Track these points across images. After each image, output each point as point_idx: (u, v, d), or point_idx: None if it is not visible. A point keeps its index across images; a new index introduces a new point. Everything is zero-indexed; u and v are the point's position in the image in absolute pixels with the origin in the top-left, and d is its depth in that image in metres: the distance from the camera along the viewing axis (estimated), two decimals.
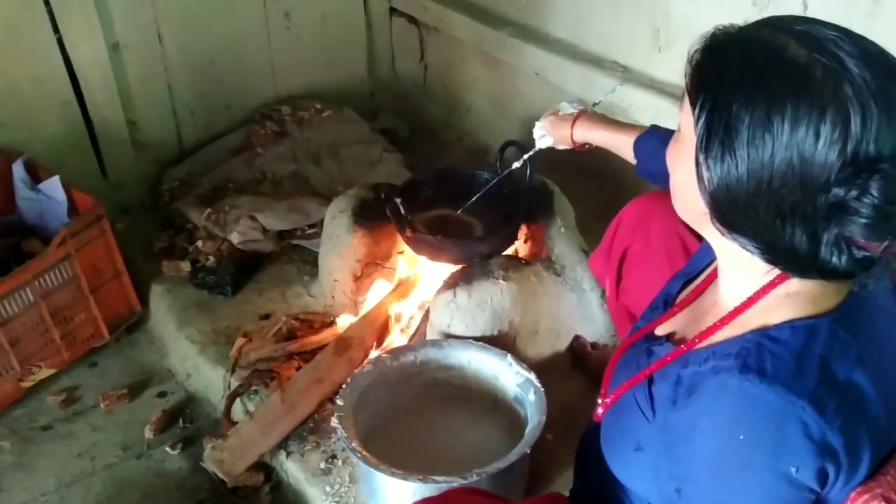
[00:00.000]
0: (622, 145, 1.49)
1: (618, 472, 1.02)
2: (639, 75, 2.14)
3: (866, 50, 0.75)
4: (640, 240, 1.48)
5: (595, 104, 1.76)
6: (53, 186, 2.00)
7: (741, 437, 0.79)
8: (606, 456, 1.03)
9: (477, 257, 1.82)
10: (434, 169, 2.15)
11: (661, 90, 2.07)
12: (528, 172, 1.79)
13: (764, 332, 0.82)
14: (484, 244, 1.85)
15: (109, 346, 2.10)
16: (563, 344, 1.86)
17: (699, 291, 1.02)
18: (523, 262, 1.83)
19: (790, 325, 0.82)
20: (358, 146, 2.56)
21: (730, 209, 0.80)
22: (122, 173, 2.38)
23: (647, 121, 2.00)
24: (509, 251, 1.91)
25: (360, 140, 2.62)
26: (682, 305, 1.02)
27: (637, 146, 1.44)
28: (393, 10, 2.76)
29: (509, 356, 1.64)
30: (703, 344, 0.90)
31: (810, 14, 1.72)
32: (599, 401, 1.06)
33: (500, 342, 1.72)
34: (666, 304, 1.07)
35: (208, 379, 1.95)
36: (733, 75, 0.78)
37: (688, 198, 0.86)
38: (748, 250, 0.82)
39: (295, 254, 2.25)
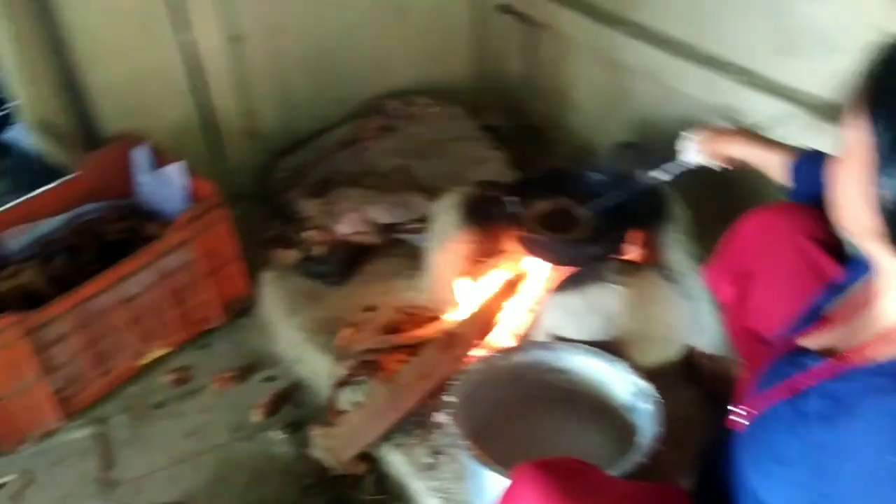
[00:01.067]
0: (776, 165, 1.46)
1: (755, 484, 0.99)
2: (761, 79, 2.07)
3: None
4: (765, 258, 1.43)
5: (751, 125, 1.73)
6: (175, 172, 2.07)
7: None
8: (744, 466, 1.01)
9: (589, 260, 1.79)
10: (545, 168, 2.14)
11: (783, 94, 1.99)
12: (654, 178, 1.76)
13: None
14: (597, 247, 1.82)
15: (221, 329, 2.16)
16: (674, 352, 1.81)
17: (854, 307, 0.98)
18: (637, 267, 1.80)
19: None
20: (464, 142, 2.56)
21: None
22: (237, 161, 2.45)
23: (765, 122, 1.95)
24: (622, 255, 1.88)
25: (465, 136, 2.62)
26: (836, 319, 0.98)
27: (796, 170, 1.40)
28: (502, 7, 2.74)
29: (623, 362, 1.61)
30: (860, 361, 0.86)
31: None
32: (733, 409, 1.03)
33: (611, 347, 1.69)
34: (815, 316, 1.03)
35: (314, 366, 1.99)
36: None
37: (857, 215, 0.82)
38: None
39: (399, 247, 2.26)
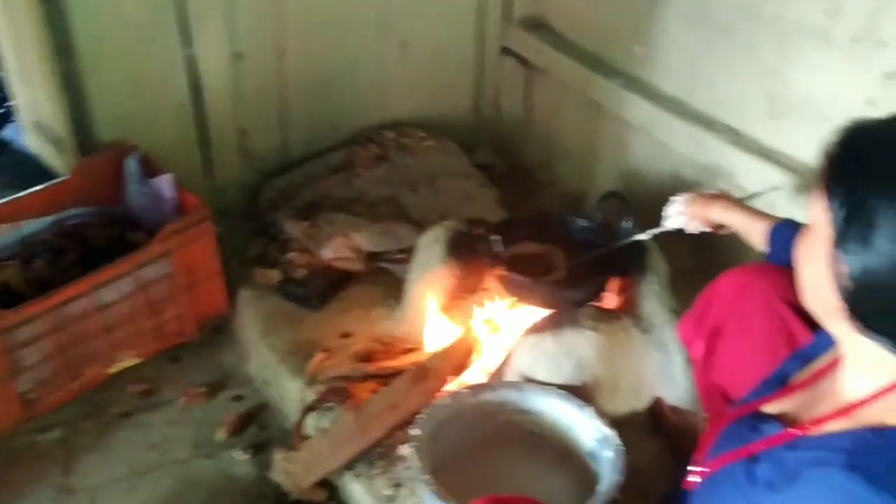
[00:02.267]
0: (756, 232, 1.49)
1: None
2: (749, 141, 2.10)
3: None
4: (738, 318, 1.44)
5: (749, 197, 1.78)
6: (165, 183, 2.08)
7: None
8: None
9: (567, 304, 1.80)
10: (533, 210, 2.16)
11: (771, 158, 2.03)
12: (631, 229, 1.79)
13: (880, 432, 0.80)
14: (575, 291, 1.84)
15: (194, 343, 2.14)
16: (641, 403, 1.82)
17: (817, 376, 0.99)
18: (613, 315, 1.81)
19: None
20: (455, 178, 2.58)
21: (867, 305, 0.78)
22: (227, 178, 2.45)
23: (753, 187, 1.98)
24: (598, 301, 1.89)
25: (457, 172, 2.64)
26: (798, 388, 0.99)
27: (773, 234, 1.43)
28: (505, 50, 2.79)
29: (590, 408, 1.62)
30: (814, 432, 0.87)
31: None
32: (691, 468, 1.04)
33: (581, 393, 1.69)
34: (780, 382, 1.04)
35: (284, 389, 1.98)
36: (872, 169, 0.77)
37: (819, 292, 0.84)
38: (887, 349, 0.79)
39: (382, 277, 2.27)
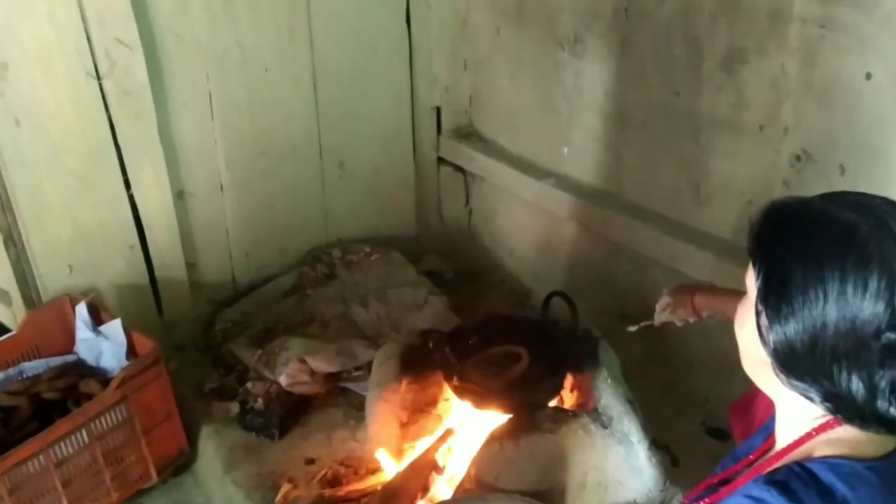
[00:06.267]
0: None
1: None
2: (680, 227, 2.20)
3: None
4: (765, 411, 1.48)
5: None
6: (114, 329, 2.08)
7: None
8: None
9: (525, 407, 1.83)
10: (481, 315, 2.20)
11: (701, 242, 2.12)
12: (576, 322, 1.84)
13: (800, 462, 0.87)
14: (531, 394, 1.86)
15: (156, 487, 2.10)
16: (610, 498, 1.83)
17: (770, 444, 1.04)
18: (571, 413, 1.84)
19: (826, 460, 0.86)
20: (404, 288, 2.63)
21: (788, 358, 0.86)
22: (178, 312, 2.46)
23: (689, 271, 2.06)
24: (555, 401, 1.92)
25: (406, 282, 2.69)
26: (756, 455, 1.06)
27: None
28: (440, 160, 2.89)
29: None
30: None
31: (848, 174, 1.78)
32: None
33: (547, 496, 1.70)
34: (746, 454, 1.10)
35: None
36: (787, 234, 0.87)
37: (752, 351, 0.92)
38: (808, 397, 0.87)
39: (342, 397, 2.27)
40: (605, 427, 1.83)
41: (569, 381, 1.94)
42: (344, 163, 2.70)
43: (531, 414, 1.80)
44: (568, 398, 1.98)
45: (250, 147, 2.47)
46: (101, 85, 2.08)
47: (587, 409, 1.88)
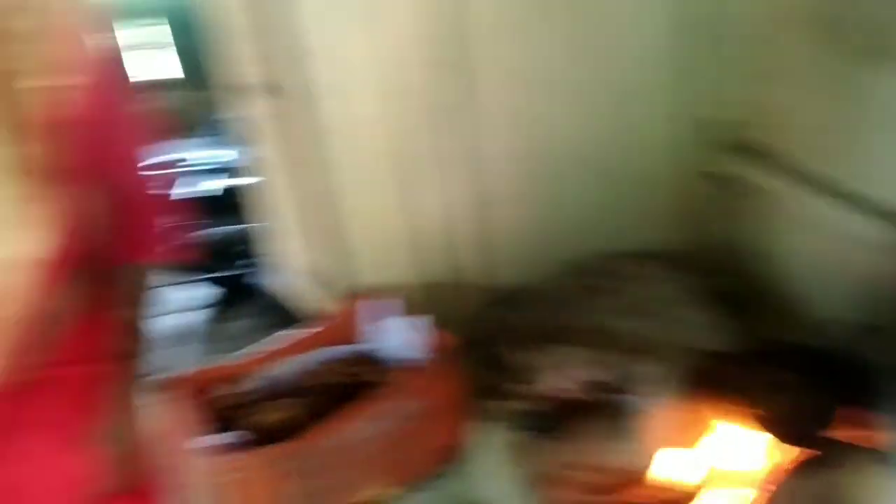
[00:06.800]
0: None
1: None
2: None
3: None
4: None
5: None
6: (418, 324, 2.30)
7: None
8: None
9: (823, 442, 1.74)
10: (776, 339, 2.12)
11: None
12: None
13: None
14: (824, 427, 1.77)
15: (433, 479, 2.25)
16: None
17: None
18: (860, 450, 1.72)
19: None
20: (676, 306, 2.59)
21: None
22: (462, 313, 2.61)
23: None
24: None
25: (674, 298, 2.65)
26: None
27: None
28: (715, 174, 2.81)
29: None
30: None
31: None
32: None
33: None
34: None
35: None
36: None
37: None
38: None
39: (610, 407, 2.29)
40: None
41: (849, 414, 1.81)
42: (612, 173, 2.74)
43: (829, 449, 1.71)
44: (854, 434, 1.85)
45: (532, 159, 2.60)
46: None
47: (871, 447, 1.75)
